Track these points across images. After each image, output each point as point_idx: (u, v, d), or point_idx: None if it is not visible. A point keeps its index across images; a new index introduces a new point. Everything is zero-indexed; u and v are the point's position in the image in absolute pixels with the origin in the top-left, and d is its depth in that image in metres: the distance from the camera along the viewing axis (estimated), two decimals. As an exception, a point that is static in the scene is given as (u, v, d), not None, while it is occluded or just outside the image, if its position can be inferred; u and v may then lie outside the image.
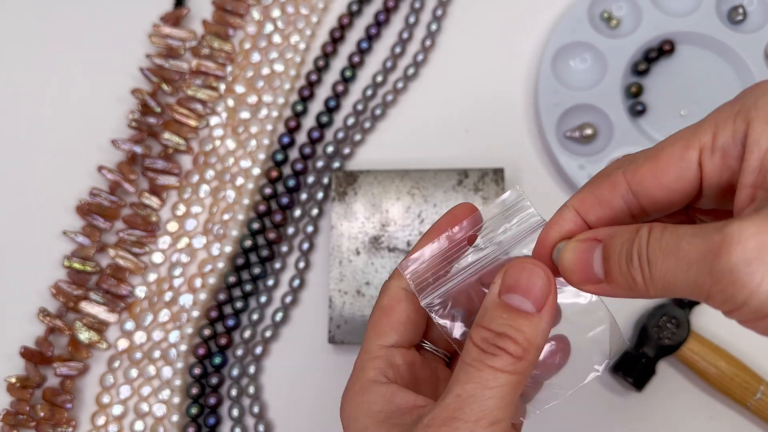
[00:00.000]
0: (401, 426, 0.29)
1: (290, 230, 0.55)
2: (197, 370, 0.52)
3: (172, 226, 0.55)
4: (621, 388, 0.51)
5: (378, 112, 0.57)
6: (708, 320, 0.52)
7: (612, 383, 0.52)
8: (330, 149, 0.56)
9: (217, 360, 0.52)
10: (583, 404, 0.51)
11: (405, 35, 0.58)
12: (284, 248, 0.55)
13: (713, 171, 0.26)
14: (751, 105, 0.25)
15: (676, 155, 0.26)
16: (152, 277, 0.54)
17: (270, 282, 0.54)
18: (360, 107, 0.57)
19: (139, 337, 0.53)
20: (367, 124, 0.57)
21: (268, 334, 0.53)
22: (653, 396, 0.51)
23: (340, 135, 0.56)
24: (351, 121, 0.57)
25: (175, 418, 0.52)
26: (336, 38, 0.59)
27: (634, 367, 0.50)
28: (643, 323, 0.51)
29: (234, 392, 0.52)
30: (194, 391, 0.52)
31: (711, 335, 0.51)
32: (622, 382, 0.50)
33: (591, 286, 0.27)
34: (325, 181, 0.56)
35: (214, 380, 0.52)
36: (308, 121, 0.58)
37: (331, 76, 0.59)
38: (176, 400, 0.52)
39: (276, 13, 0.59)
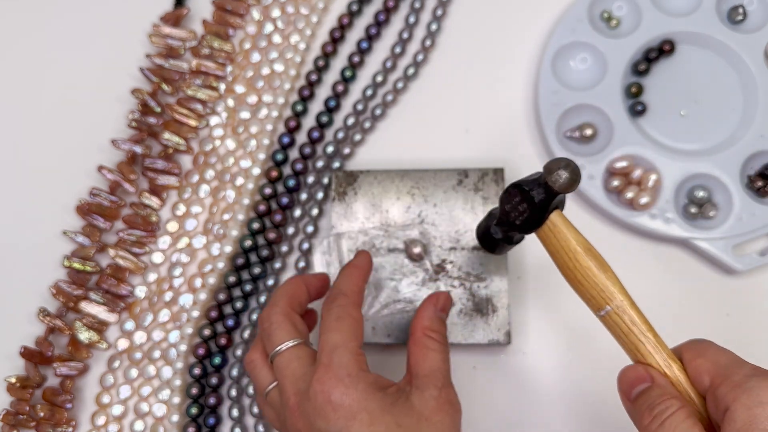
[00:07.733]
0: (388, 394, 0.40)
1: (290, 230, 0.55)
2: (197, 370, 0.52)
3: (172, 226, 0.55)
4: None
5: (378, 112, 0.57)
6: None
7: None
8: (330, 149, 0.56)
9: (217, 360, 0.52)
10: (584, 404, 0.52)
11: (405, 35, 0.58)
12: (284, 248, 0.55)
13: None
14: None
15: None
16: (152, 277, 0.54)
17: (270, 282, 0.54)
18: (360, 107, 0.57)
19: (139, 337, 0.53)
20: (367, 124, 0.57)
21: (268, 334, 0.53)
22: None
23: (340, 135, 0.56)
24: (351, 121, 0.57)
25: (175, 418, 0.52)
26: (336, 38, 0.59)
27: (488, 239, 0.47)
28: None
29: (234, 392, 0.52)
30: (194, 391, 0.52)
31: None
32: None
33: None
34: (325, 181, 0.56)
35: (214, 380, 0.52)
36: (308, 121, 0.58)
37: (331, 76, 0.59)
38: (176, 400, 0.52)
39: (276, 13, 0.59)
